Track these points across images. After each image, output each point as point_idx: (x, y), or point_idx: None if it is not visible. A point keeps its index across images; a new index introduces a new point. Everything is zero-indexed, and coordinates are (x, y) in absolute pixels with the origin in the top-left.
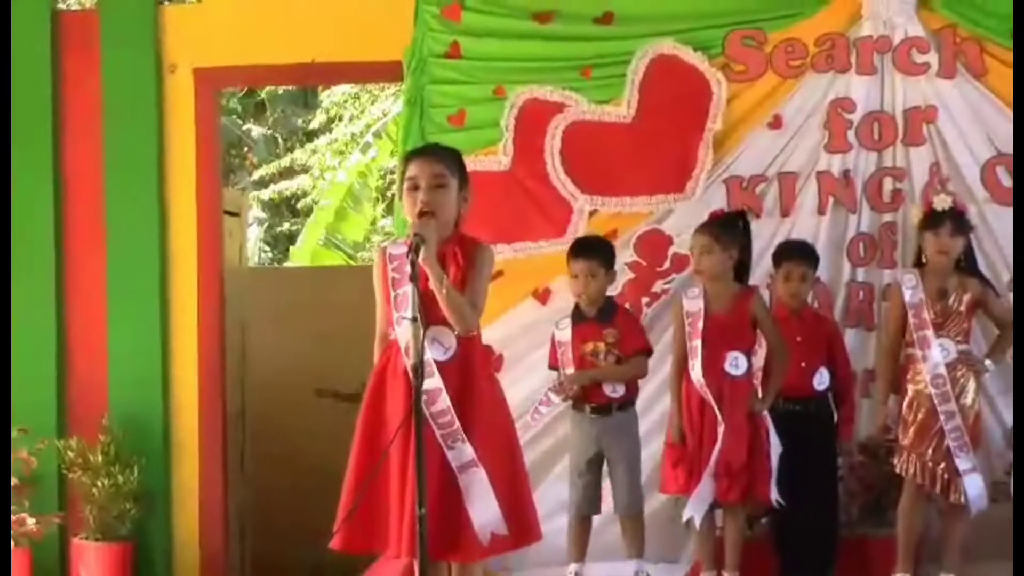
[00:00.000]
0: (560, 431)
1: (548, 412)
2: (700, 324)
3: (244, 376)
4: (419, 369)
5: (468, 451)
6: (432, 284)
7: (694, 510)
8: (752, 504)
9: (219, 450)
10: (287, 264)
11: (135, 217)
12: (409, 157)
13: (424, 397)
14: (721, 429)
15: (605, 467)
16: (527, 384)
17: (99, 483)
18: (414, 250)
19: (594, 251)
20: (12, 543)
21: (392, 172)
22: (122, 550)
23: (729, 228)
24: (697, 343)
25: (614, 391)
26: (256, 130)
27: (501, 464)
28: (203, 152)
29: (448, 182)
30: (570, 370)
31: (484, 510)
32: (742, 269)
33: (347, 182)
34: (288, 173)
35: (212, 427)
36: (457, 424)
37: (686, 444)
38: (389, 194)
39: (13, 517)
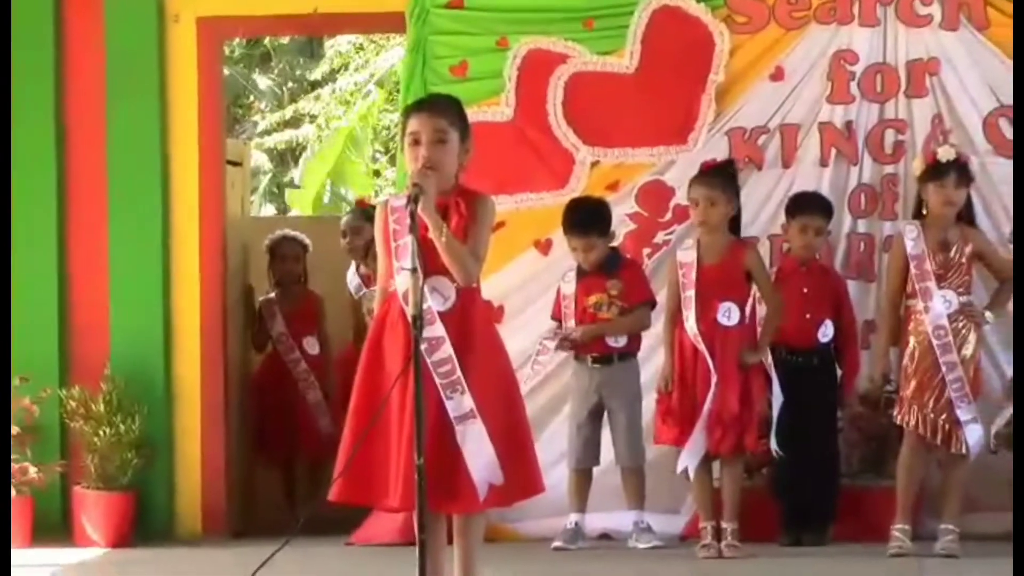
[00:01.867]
0: (560, 382)
1: (547, 361)
2: (693, 275)
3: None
4: (418, 320)
5: (467, 402)
6: (432, 234)
7: (687, 461)
8: (746, 454)
9: (220, 399)
10: (291, 214)
11: (137, 167)
12: (410, 111)
13: (424, 345)
14: (714, 380)
15: (606, 418)
16: (529, 334)
17: (101, 432)
18: (413, 200)
19: (589, 226)
20: (14, 491)
21: (392, 121)
22: (124, 499)
23: (730, 180)
24: (690, 293)
25: (616, 341)
26: (261, 80)
27: (500, 416)
28: (205, 102)
29: (449, 136)
30: (572, 323)
31: (481, 462)
32: (735, 220)
33: (348, 127)
34: (293, 123)
35: (214, 376)
36: (458, 374)
37: (672, 395)
38: (390, 142)
39: (15, 466)
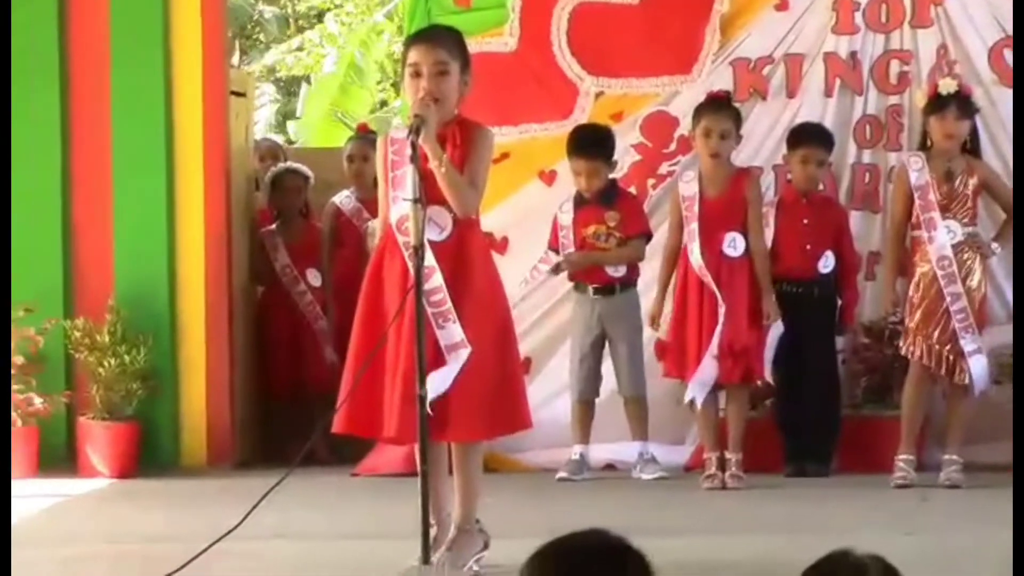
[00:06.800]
0: (562, 315)
1: (539, 278)
2: (696, 208)
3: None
4: (419, 250)
5: (458, 332)
6: (431, 164)
7: (696, 391)
8: (754, 385)
9: (225, 330)
10: (295, 145)
11: (141, 98)
12: (411, 42)
13: None
14: (722, 311)
15: (607, 350)
16: (532, 264)
17: (105, 363)
18: (414, 131)
19: (596, 149)
20: (20, 422)
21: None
22: (128, 429)
23: (737, 112)
24: (694, 226)
25: (616, 271)
26: (268, 10)
27: (492, 348)
28: (209, 33)
29: (450, 68)
30: (571, 251)
31: (469, 391)
32: None
33: (350, 51)
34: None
35: (218, 307)
36: (449, 304)
37: (675, 329)
38: (392, 72)
39: (20, 397)
